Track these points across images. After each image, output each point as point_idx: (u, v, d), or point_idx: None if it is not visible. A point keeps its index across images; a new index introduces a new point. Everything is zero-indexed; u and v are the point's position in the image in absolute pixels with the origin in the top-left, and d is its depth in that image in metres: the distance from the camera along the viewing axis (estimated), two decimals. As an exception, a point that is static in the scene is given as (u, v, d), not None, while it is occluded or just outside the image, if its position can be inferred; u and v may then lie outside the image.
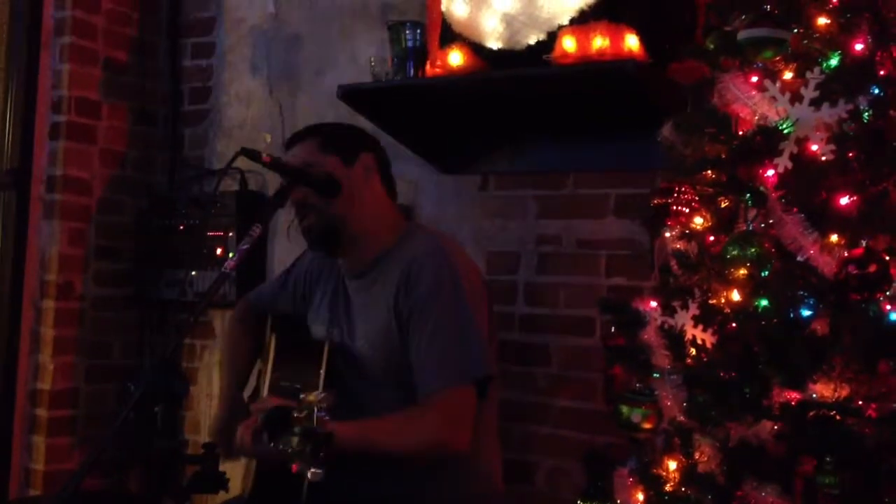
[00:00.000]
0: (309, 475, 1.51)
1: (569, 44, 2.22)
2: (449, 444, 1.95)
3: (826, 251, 1.61)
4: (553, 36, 2.27)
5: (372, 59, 2.71)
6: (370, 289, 2.14)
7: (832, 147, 1.62)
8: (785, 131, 1.66)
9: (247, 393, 2.30)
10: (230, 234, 3.18)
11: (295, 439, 1.52)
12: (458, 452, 1.96)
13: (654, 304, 1.91)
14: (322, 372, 2.02)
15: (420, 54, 2.58)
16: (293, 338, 2.21)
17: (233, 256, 1.85)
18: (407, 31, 2.61)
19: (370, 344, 2.11)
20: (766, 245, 1.67)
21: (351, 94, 2.63)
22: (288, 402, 1.66)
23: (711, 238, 1.81)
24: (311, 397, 1.54)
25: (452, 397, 1.97)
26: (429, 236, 2.17)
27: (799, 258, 1.63)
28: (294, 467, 1.53)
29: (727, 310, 1.74)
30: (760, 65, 1.75)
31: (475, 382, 2.00)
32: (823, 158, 1.64)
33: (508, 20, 2.34)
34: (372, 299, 2.12)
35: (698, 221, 1.85)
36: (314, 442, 1.51)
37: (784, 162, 1.66)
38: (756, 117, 1.72)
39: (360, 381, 2.10)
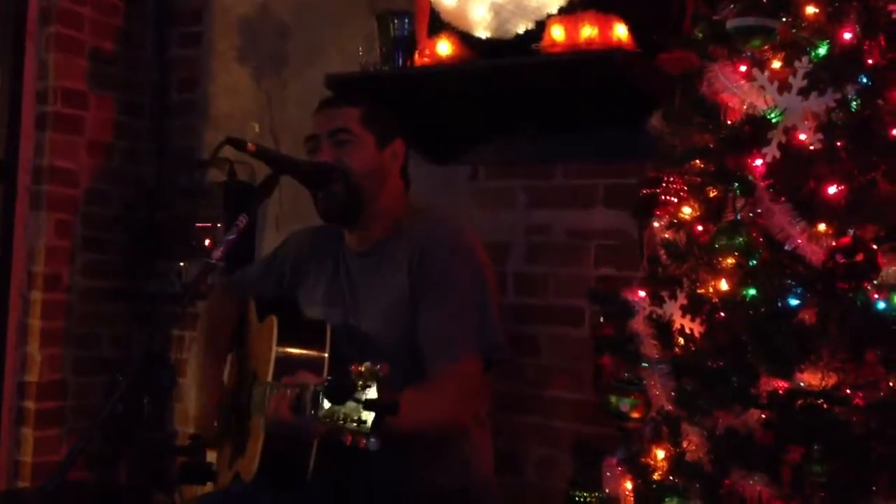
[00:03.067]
0: (369, 445, 1.46)
1: (557, 33, 2.22)
2: (458, 419, 1.97)
3: (814, 240, 1.61)
4: (541, 25, 2.26)
5: (360, 48, 2.70)
6: (379, 267, 2.13)
7: (820, 136, 1.62)
8: (773, 120, 1.66)
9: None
10: (218, 224, 3.16)
11: (355, 408, 1.47)
12: (462, 428, 1.98)
13: (642, 293, 1.90)
14: (327, 354, 2.00)
15: (408, 44, 2.57)
16: (293, 319, 2.17)
17: (219, 247, 1.84)
18: (395, 21, 2.60)
19: (383, 320, 2.09)
20: (754, 234, 1.67)
21: (339, 84, 2.61)
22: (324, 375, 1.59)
23: (700, 228, 1.81)
24: (364, 367, 1.48)
25: (466, 369, 1.98)
26: (447, 216, 2.20)
27: (787, 247, 1.63)
28: (348, 438, 1.47)
29: (715, 299, 1.74)
30: (749, 54, 1.75)
31: (486, 357, 2.02)
32: (811, 147, 1.64)
33: (497, 9, 2.33)
34: (382, 277, 2.11)
35: (687, 211, 1.85)
36: (380, 411, 1.45)
37: (772, 151, 1.65)
38: (744, 106, 1.71)
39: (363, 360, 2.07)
